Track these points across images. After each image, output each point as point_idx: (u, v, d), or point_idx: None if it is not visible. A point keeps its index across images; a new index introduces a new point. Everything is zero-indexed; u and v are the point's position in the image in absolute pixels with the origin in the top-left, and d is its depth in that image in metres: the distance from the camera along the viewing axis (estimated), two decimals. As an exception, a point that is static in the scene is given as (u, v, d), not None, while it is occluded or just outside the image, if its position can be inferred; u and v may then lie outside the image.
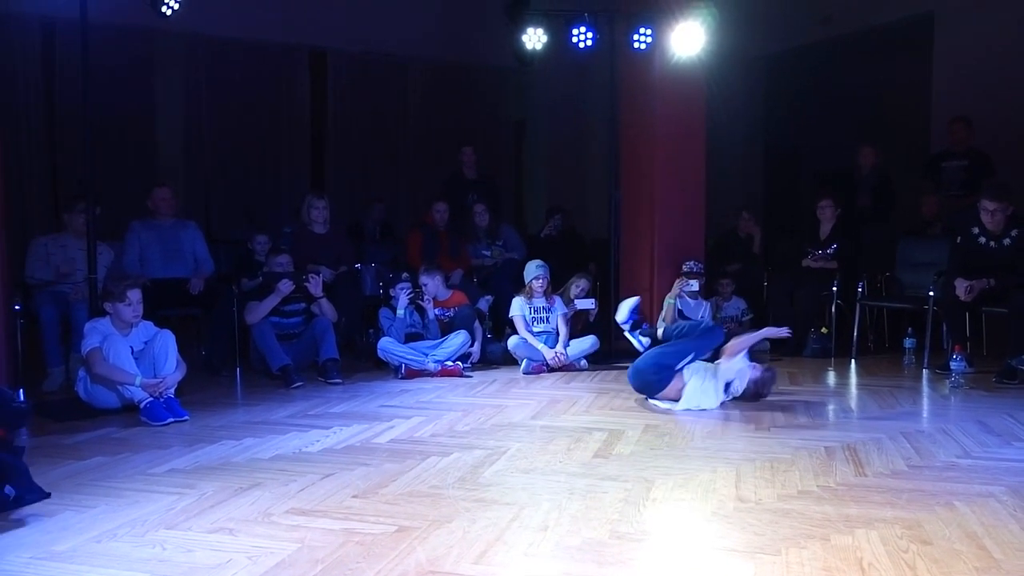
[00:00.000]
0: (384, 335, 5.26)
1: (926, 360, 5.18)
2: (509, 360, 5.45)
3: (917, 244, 6.07)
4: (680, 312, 5.75)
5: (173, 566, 2.18)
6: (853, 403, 4.37)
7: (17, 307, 4.62)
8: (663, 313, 5.82)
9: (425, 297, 5.42)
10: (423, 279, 5.47)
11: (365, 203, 7.82)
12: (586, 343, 5.43)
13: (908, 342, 5.35)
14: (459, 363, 5.19)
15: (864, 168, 6.71)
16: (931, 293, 5.24)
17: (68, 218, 5.15)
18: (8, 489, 2.63)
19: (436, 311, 5.48)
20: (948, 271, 5.13)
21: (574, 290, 5.73)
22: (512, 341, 5.35)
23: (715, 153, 6.50)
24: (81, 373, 4.18)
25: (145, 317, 4.27)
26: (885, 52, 7.91)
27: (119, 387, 4.03)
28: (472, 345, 5.41)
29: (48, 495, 2.74)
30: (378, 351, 5.20)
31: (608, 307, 6.07)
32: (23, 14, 6.83)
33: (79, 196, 5.18)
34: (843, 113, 8.21)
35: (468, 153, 7.21)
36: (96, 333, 4.07)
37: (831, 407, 4.21)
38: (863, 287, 5.81)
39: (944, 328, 5.20)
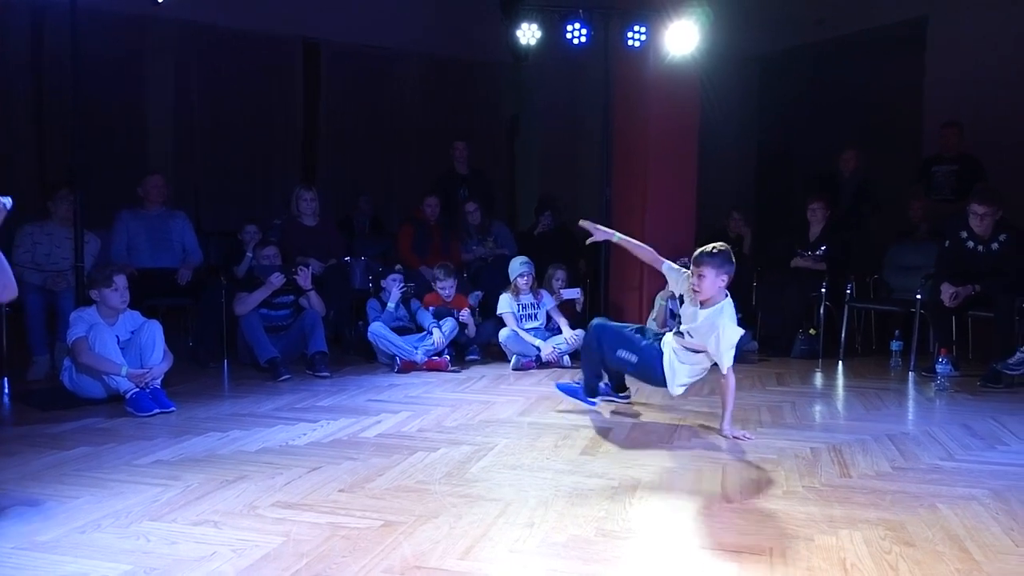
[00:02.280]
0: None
1: (912, 363, 5.22)
2: (499, 355, 5.45)
3: (905, 247, 6.11)
4: (671, 312, 5.76)
5: (157, 558, 2.17)
6: (839, 404, 4.39)
7: (2, 295, 4.58)
8: (654, 313, 5.83)
9: (443, 295, 5.52)
10: (446, 283, 5.52)
11: (353, 197, 7.78)
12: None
13: (895, 344, 5.38)
14: (446, 356, 5.20)
15: (845, 172, 6.75)
16: (918, 296, 5.27)
17: (52, 206, 5.12)
18: None
19: (431, 308, 5.52)
20: (936, 275, 5.16)
21: (555, 283, 5.75)
22: (504, 334, 5.35)
23: (707, 153, 6.51)
24: (66, 362, 4.16)
25: (132, 307, 4.25)
26: (879, 54, 7.93)
27: (105, 377, 4.01)
28: (468, 328, 5.50)
29: None
30: (368, 334, 5.19)
31: (599, 304, 6.08)
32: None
33: (62, 184, 5.15)
34: (835, 115, 8.23)
35: (460, 148, 7.19)
36: (82, 322, 4.05)
37: (817, 408, 4.23)
38: (851, 289, 5.84)
39: (931, 331, 5.23)
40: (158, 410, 3.87)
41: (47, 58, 7.11)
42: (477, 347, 5.58)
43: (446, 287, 5.55)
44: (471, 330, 5.54)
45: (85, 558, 2.17)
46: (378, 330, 5.18)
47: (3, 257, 2.68)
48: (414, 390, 4.56)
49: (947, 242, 5.16)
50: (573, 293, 5.72)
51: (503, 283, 5.79)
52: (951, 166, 6.34)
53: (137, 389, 3.94)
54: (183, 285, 5.34)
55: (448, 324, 5.34)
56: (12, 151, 6.99)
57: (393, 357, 5.14)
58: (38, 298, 4.81)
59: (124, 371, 3.97)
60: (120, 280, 4.13)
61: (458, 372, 5.11)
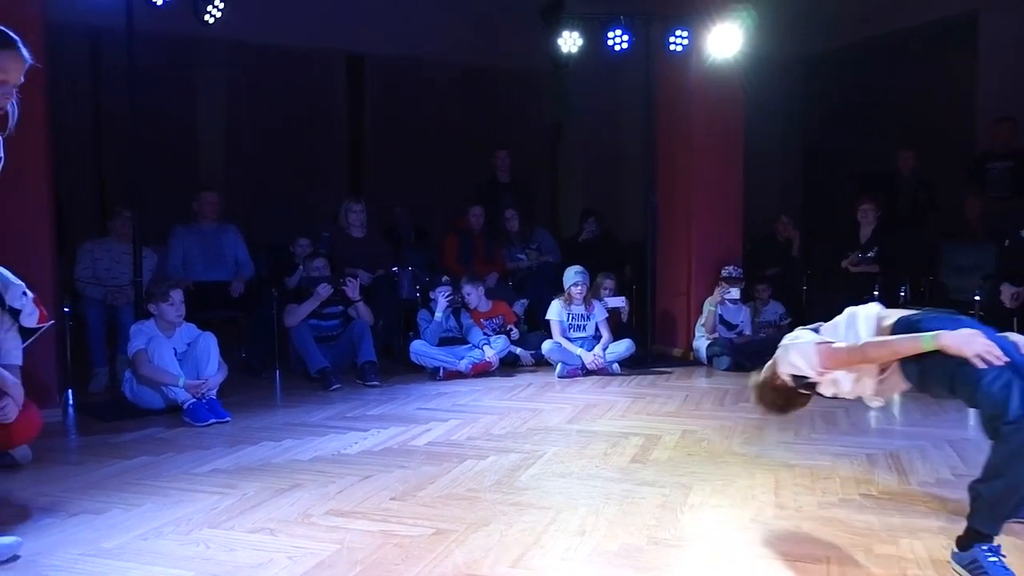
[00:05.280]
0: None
1: (972, 366, 5.05)
2: (546, 361, 5.45)
3: (961, 247, 5.94)
4: (721, 317, 5.70)
5: (216, 564, 2.23)
6: (895, 410, 4.28)
7: (66, 310, 4.75)
8: (703, 319, 5.77)
9: (467, 301, 5.51)
10: (467, 288, 5.54)
11: (387, 210, 7.82)
12: (621, 347, 5.40)
13: (953, 348, 5.22)
14: (490, 361, 5.23)
15: (904, 171, 6.62)
16: (976, 297, 5.12)
17: (110, 224, 5.31)
18: None
19: (482, 321, 5.57)
20: (995, 275, 5.02)
21: (603, 292, 5.72)
22: (547, 346, 5.35)
23: (752, 156, 6.43)
24: (127, 374, 4.29)
25: (187, 320, 4.37)
26: (926, 52, 7.76)
27: (163, 388, 4.12)
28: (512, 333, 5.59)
29: None
30: (411, 355, 5.24)
31: (644, 311, 6.05)
32: (71, 24, 6.99)
33: (120, 202, 5.32)
34: (883, 115, 8.07)
35: (502, 157, 7.22)
36: (141, 335, 4.17)
37: (872, 414, 4.13)
38: (905, 291, 5.70)
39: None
40: (214, 420, 3.97)
41: (104, 80, 7.36)
42: (530, 354, 5.62)
43: (471, 292, 5.55)
44: (514, 335, 5.61)
45: (148, 564, 2.24)
46: (418, 348, 5.22)
47: None
48: (462, 398, 4.59)
49: (1007, 241, 5.01)
50: (618, 302, 5.69)
51: (548, 291, 5.79)
52: (1006, 162, 6.16)
53: (194, 400, 4.04)
54: (236, 298, 5.46)
55: (500, 342, 5.37)
56: (73, 172, 7.24)
57: (437, 368, 5.19)
58: (98, 312, 4.97)
59: (182, 382, 4.08)
60: (176, 295, 4.25)
61: (511, 376, 5.13)
